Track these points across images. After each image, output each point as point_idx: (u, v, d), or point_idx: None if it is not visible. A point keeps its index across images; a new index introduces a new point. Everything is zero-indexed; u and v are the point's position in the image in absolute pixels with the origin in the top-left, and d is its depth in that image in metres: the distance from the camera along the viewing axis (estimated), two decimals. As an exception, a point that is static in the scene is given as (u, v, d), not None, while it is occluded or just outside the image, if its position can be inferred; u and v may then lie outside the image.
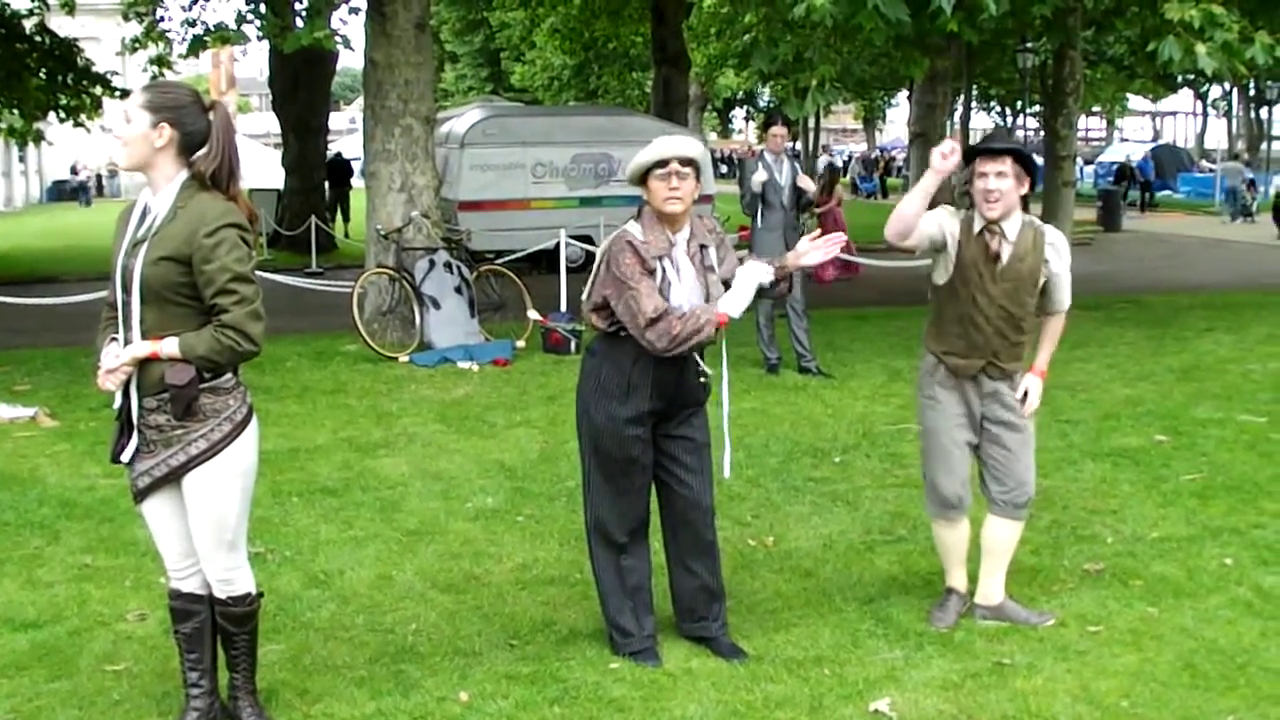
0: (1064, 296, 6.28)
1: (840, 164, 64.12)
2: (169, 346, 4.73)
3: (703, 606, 6.05)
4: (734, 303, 5.75)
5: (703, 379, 5.89)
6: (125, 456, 4.93)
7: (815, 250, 5.93)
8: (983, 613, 6.38)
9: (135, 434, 4.89)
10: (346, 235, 30.28)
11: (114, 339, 4.87)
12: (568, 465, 9.34)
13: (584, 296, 5.91)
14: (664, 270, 5.66)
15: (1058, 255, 6.16)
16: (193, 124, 4.77)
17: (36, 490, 8.92)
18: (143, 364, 4.78)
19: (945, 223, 6.09)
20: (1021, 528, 6.46)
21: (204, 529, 4.98)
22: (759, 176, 12.71)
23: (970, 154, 6.04)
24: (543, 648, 6.11)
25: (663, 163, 5.67)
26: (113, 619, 6.53)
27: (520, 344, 14.84)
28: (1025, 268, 6.08)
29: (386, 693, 5.60)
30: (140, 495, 4.98)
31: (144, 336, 4.76)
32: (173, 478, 4.90)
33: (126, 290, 4.77)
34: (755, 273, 5.84)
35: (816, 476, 9.15)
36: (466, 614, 6.58)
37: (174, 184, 4.79)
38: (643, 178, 5.75)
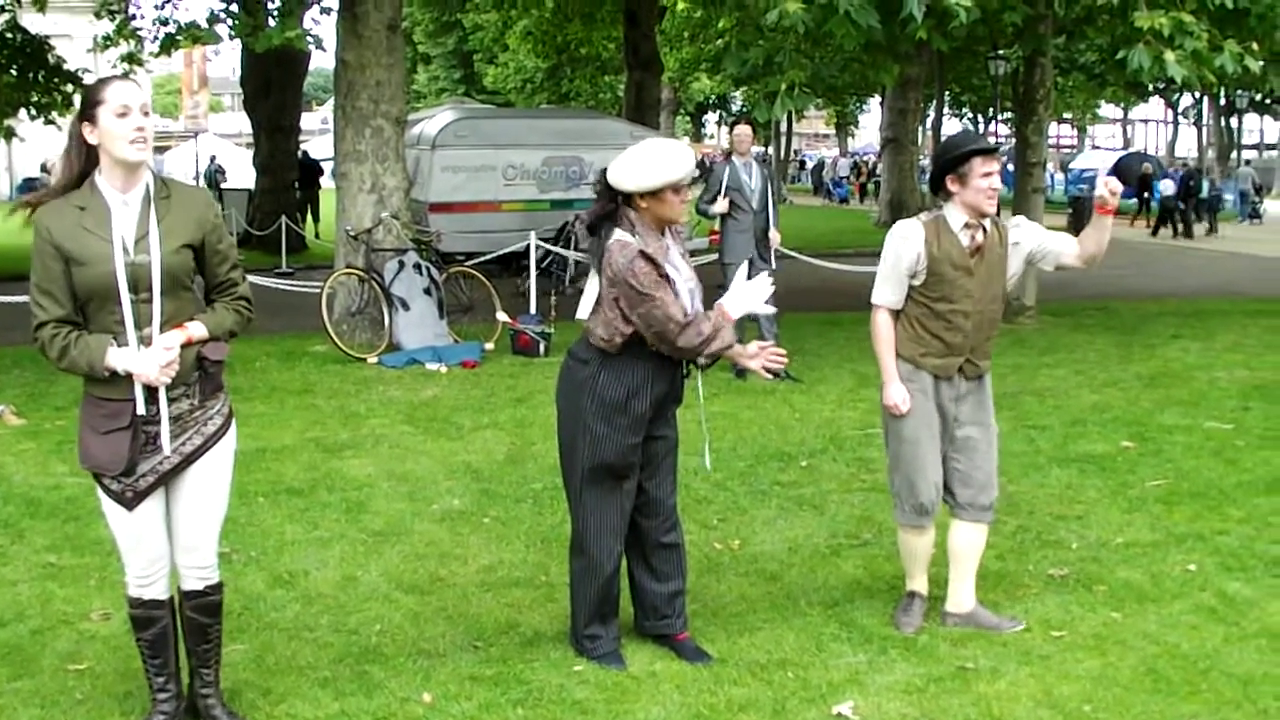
0: (1065, 242, 6.29)
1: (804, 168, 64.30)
2: (198, 330, 4.87)
3: (665, 605, 6.05)
4: (735, 303, 5.79)
5: (685, 376, 5.91)
6: (167, 448, 4.91)
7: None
8: (954, 620, 6.38)
9: (163, 429, 4.89)
10: (317, 236, 30.22)
11: (114, 343, 4.77)
12: (534, 467, 9.34)
13: (582, 315, 5.87)
14: (668, 275, 5.65)
15: (1024, 230, 6.29)
16: None
17: (1, 488, 8.87)
18: None
19: (913, 247, 6.15)
20: (987, 531, 6.47)
21: (208, 512, 5.08)
22: (717, 208, 12.82)
23: (962, 156, 6.07)
24: (507, 650, 6.10)
25: (687, 177, 5.69)
26: (76, 618, 6.51)
27: (489, 346, 14.83)
28: (997, 259, 6.19)
29: (350, 693, 5.59)
30: (139, 497, 4.93)
31: (163, 328, 4.80)
32: (183, 466, 4.95)
33: (137, 289, 4.75)
34: (758, 283, 5.87)
35: (783, 480, 9.16)
36: (431, 615, 6.57)
37: (146, 176, 4.83)
38: (653, 191, 5.66)
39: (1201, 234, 39.19)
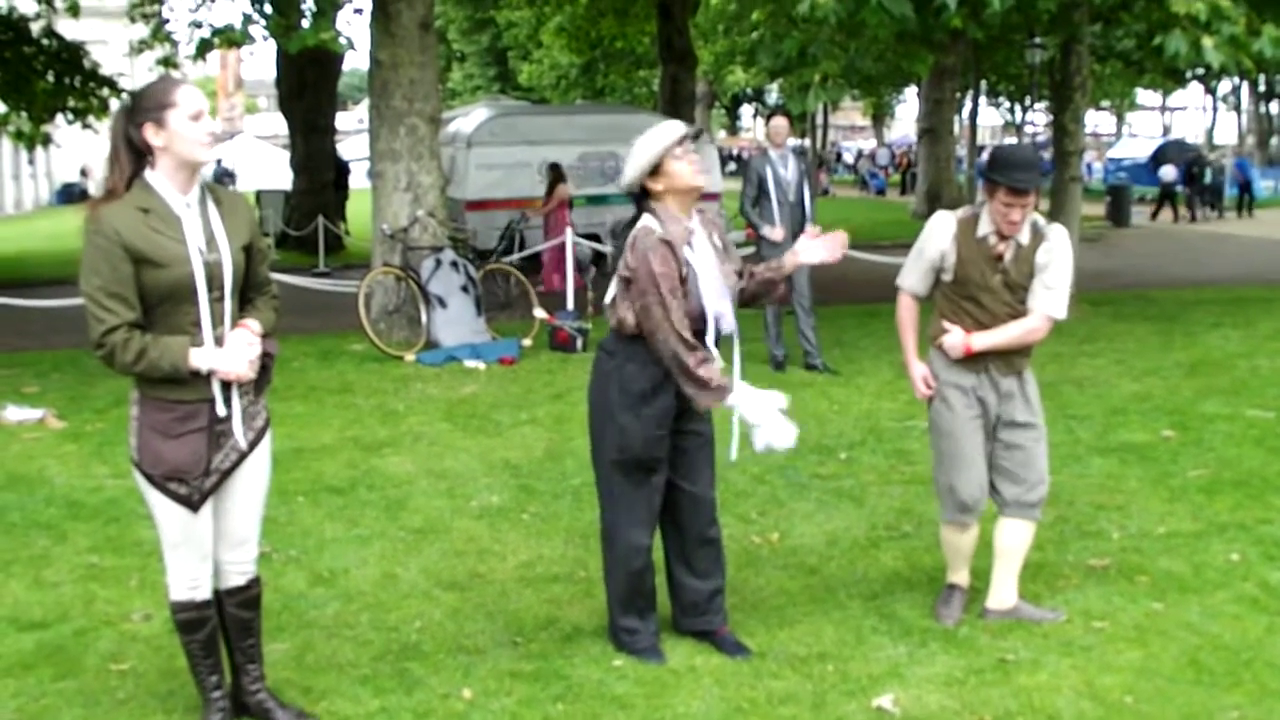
0: (1045, 299, 6.09)
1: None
2: (256, 326, 4.95)
3: (705, 602, 6.05)
4: (745, 397, 5.63)
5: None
6: (244, 442, 4.98)
7: (815, 249, 5.95)
8: (995, 615, 6.33)
9: (236, 425, 4.95)
10: (347, 234, 30.30)
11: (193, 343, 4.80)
12: (573, 463, 9.34)
13: (607, 300, 5.87)
14: (689, 261, 5.63)
15: (1051, 250, 6.10)
16: None
17: (44, 491, 8.93)
18: None
19: (938, 243, 6.11)
20: (1035, 528, 6.42)
21: (256, 505, 5.15)
22: (772, 234, 12.60)
23: (994, 181, 5.97)
24: (546, 645, 6.11)
25: (680, 140, 5.65)
26: (118, 618, 6.55)
27: (526, 342, 14.85)
28: (1027, 263, 6.07)
29: (390, 690, 5.61)
30: (204, 498, 4.94)
31: (230, 327, 4.89)
32: (240, 461, 4.99)
33: (214, 287, 4.79)
34: (773, 400, 5.70)
35: (822, 473, 9.14)
36: (470, 612, 6.58)
37: (200, 178, 4.89)
38: (654, 170, 5.66)
39: (1213, 219, 39.35)
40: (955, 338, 6.08)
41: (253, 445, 5.04)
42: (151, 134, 4.72)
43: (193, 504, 4.91)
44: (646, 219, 5.67)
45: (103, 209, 4.68)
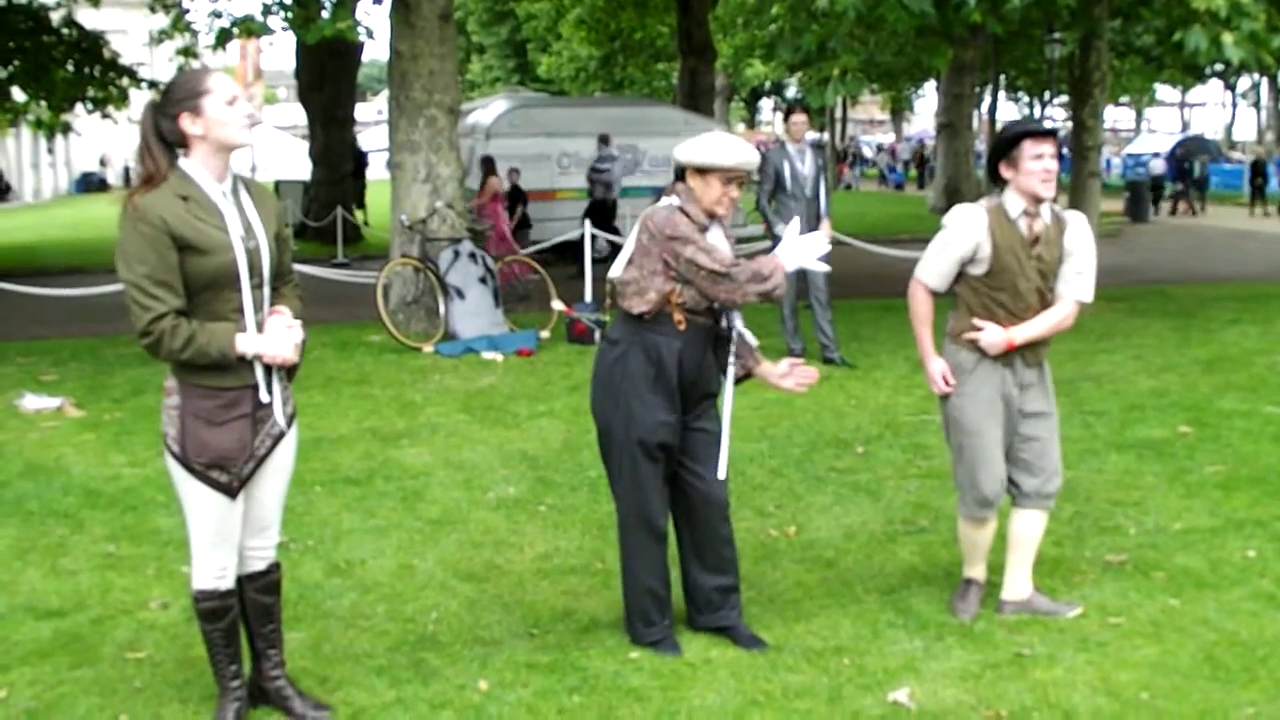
0: (1076, 284, 6.16)
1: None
2: (290, 314, 4.99)
3: (719, 599, 6.05)
4: (789, 255, 5.82)
5: (736, 350, 5.97)
6: (282, 420, 5.04)
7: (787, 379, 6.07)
8: (1011, 607, 6.33)
9: (277, 410, 5.00)
10: (366, 224, 30.32)
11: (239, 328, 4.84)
12: (590, 455, 9.34)
13: (616, 276, 5.90)
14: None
15: (1075, 236, 6.13)
16: None
17: (61, 479, 8.96)
18: None
19: (971, 235, 6.07)
20: (1048, 517, 6.43)
21: (281, 491, 5.19)
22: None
23: (1012, 138, 6.01)
24: (562, 637, 6.12)
25: (731, 170, 5.72)
26: (135, 607, 6.56)
27: (545, 334, 14.87)
28: (1055, 250, 6.09)
29: (406, 681, 5.61)
30: (243, 485, 4.96)
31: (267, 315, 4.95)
32: (273, 448, 5.03)
33: (254, 274, 4.84)
34: (812, 238, 5.93)
35: (839, 467, 9.14)
36: (487, 603, 6.59)
37: (233, 167, 4.92)
38: (702, 169, 5.74)
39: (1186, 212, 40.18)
40: (994, 335, 6.04)
41: (280, 436, 5.07)
42: (188, 123, 4.74)
43: (232, 491, 4.92)
44: (666, 199, 5.82)
45: (144, 197, 4.69)
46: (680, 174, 5.85)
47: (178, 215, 4.66)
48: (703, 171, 5.74)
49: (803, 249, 5.86)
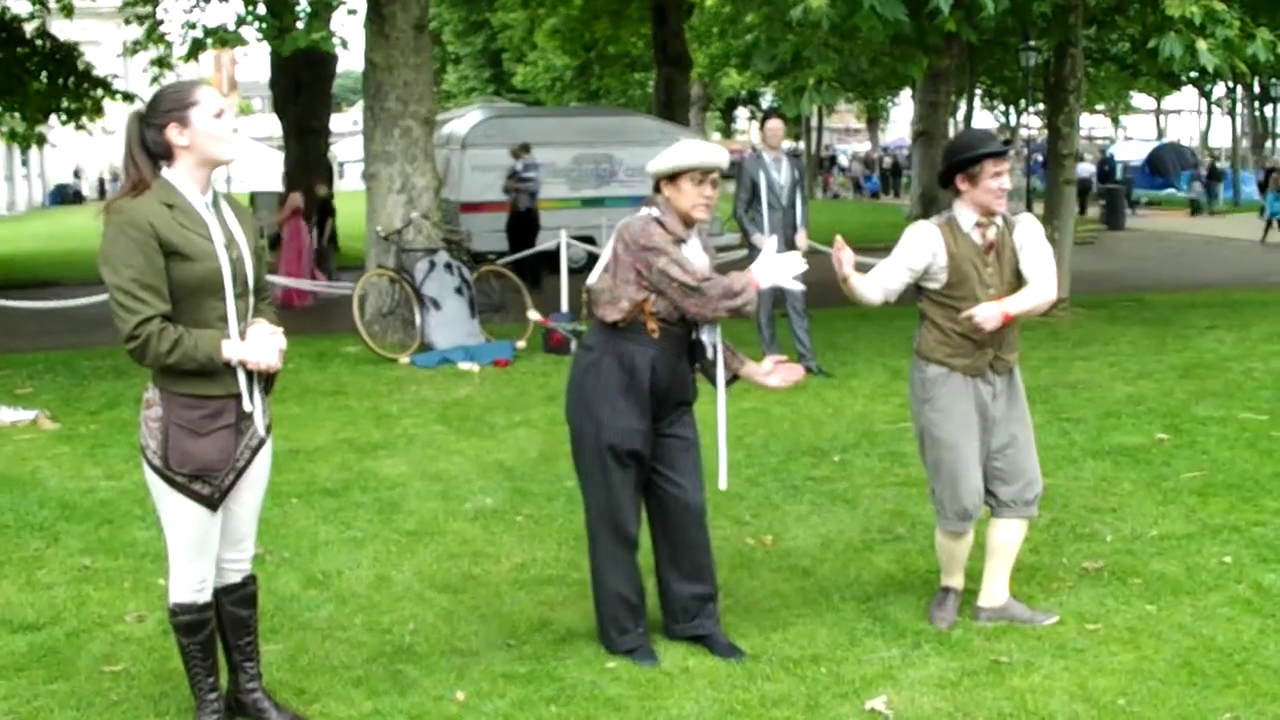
0: (1040, 270, 6.12)
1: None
2: (270, 324, 4.97)
3: (696, 607, 6.05)
4: (764, 273, 5.82)
5: (712, 359, 5.96)
6: (262, 430, 5.03)
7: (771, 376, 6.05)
8: (987, 614, 6.34)
9: (258, 419, 4.99)
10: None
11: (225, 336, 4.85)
12: (567, 465, 9.28)
13: (591, 284, 5.91)
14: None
15: (1025, 231, 6.20)
16: None
17: (37, 493, 8.92)
18: None
19: (927, 247, 6.11)
20: (1028, 525, 6.45)
21: (257, 503, 5.18)
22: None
23: (970, 159, 6.06)
24: (540, 647, 6.11)
25: (705, 170, 5.73)
26: (111, 620, 6.54)
27: (521, 345, 14.85)
28: (1010, 253, 6.17)
29: (384, 692, 5.60)
30: (224, 496, 4.95)
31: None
32: (251, 459, 5.01)
33: (237, 283, 4.84)
34: (788, 257, 5.92)
35: (816, 475, 9.14)
36: (464, 614, 6.58)
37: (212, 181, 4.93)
38: (671, 176, 5.77)
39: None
40: (988, 309, 6.00)
41: (262, 442, 5.07)
42: (175, 134, 4.75)
43: (213, 503, 4.91)
44: (644, 211, 5.83)
45: (129, 203, 4.70)
46: (657, 187, 5.86)
47: (164, 221, 4.68)
48: (673, 178, 5.77)
49: (779, 267, 5.86)
